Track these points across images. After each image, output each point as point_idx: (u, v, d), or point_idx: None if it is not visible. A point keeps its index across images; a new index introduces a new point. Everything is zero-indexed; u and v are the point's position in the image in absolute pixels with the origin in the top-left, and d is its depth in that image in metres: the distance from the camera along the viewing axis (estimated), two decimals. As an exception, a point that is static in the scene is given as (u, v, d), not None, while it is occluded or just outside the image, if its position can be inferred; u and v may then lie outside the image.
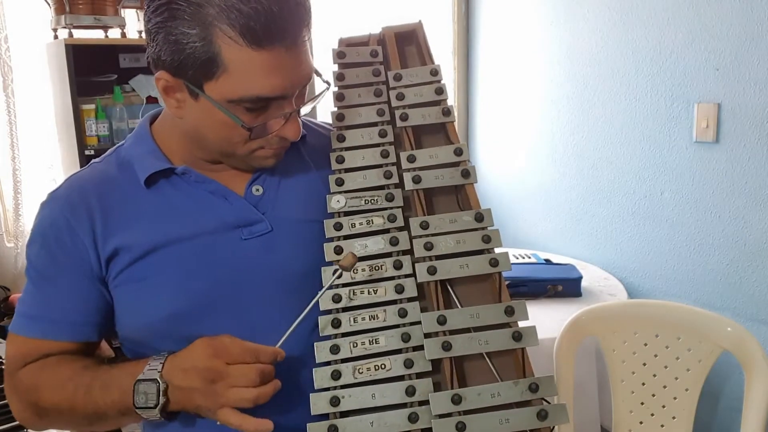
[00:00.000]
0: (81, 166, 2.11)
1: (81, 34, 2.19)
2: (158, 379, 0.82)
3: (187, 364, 0.82)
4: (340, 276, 0.86)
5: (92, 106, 2.19)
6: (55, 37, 2.20)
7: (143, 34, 2.35)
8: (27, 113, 2.26)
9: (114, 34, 2.28)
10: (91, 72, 2.27)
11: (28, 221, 2.23)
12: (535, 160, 2.71)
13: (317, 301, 0.86)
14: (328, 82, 0.95)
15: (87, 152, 2.17)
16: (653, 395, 1.67)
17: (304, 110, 0.92)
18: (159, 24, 0.81)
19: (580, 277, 2.10)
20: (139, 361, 0.86)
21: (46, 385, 0.90)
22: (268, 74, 0.82)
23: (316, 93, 0.94)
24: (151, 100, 2.34)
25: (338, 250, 0.90)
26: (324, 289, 0.86)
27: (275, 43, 0.80)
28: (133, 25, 2.38)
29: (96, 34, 2.25)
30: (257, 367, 0.80)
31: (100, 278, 0.92)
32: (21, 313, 0.94)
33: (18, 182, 2.20)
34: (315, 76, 0.92)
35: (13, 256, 2.24)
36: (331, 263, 0.90)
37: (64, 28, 2.16)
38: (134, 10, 2.36)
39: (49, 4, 2.19)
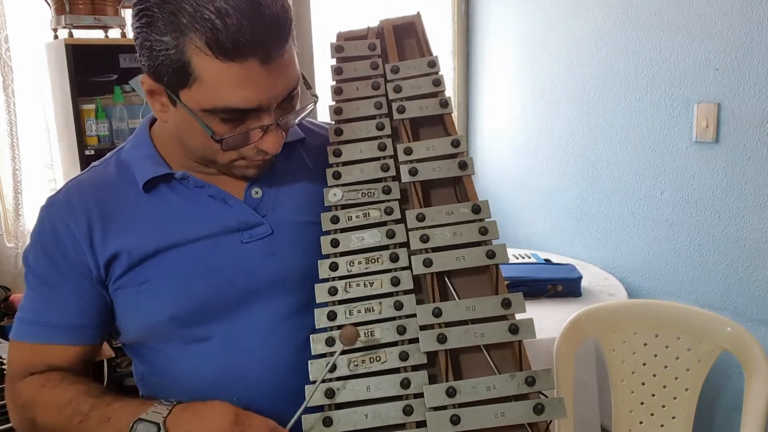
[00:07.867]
0: (81, 166, 2.12)
1: (81, 34, 2.20)
2: (160, 425, 0.78)
3: (204, 426, 0.78)
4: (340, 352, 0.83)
5: (92, 106, 2.20)
6: (55, 37, 2.20)
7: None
8: (27, 113, 2.26)
9: (114, 34, 2.29)
10: (91, 72, 2.26)
11: (28, 221, 2.23)
12: (535, 160, 2.71)
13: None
14: (315, 95, 0.92)
15: (87, 152, 2.17)
16: (653, 395, 1.67)
17: (289, 122, 0.88)
18: (138, 29, 0.81)
19: (580, 277, 2.09)
20: (144, 402, 0.84)
21: (43, 403, 0.88)
22: (240, 87, 0.79)
23: (306, 103, 0.91)
24: (152, 100, 2.34)
25: (335, 243, 0.90)
26: (318, 383, 0.82)
27: (246, 56, 0.77)
28: (133, 25, 2.38)
29: (96, 34, 2.26)
30: None
31: (100, 281, 0.91)
32: (22, 320, 0.93)
33: (18, 182, 2.20)
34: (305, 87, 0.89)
35: (13, 256, 2.24)
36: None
37: (64, 28, 2.17)
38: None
39: (49, 4, 2.19)
